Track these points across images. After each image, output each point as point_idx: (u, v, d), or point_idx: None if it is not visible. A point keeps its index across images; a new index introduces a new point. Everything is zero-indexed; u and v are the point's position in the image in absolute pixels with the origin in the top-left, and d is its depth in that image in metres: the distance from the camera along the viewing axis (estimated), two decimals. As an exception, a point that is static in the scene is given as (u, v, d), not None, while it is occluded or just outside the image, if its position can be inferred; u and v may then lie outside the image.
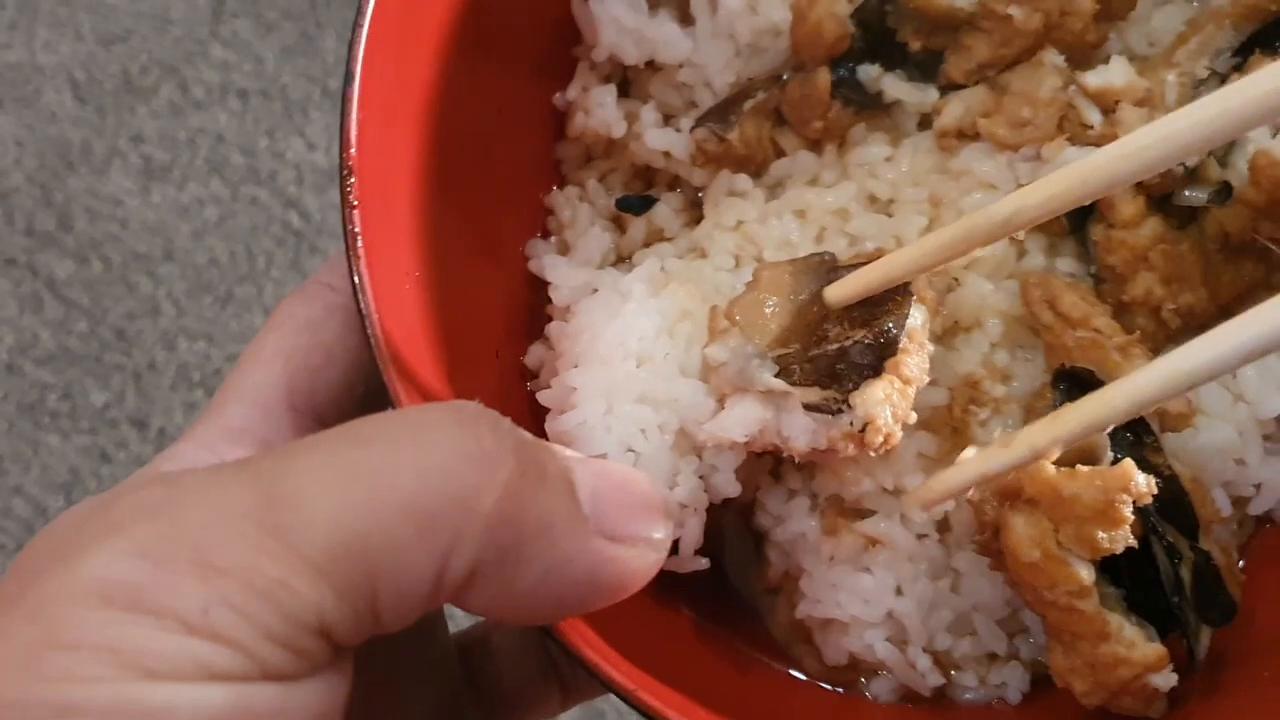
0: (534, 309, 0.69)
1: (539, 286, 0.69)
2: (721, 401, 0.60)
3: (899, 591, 0.62)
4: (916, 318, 0.59)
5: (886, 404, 0.55)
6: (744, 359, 0.58)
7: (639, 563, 0.47)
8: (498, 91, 0.66)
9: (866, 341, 0.58)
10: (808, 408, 0.56)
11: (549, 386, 0.65)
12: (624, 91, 0.71)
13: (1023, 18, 0.62)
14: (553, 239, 0.71)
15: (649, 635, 0.62)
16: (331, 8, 1.63)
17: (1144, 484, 0.54)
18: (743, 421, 0.58)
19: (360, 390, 0.58)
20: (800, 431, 0.57)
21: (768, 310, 0.59)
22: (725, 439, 0.59)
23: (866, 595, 0.62)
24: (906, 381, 0.57)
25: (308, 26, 1.63)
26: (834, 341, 0.59)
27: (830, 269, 0.62)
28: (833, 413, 0.56)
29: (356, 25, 0.56)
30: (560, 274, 0.68)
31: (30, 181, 1.55)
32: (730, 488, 0.62)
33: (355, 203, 0.55)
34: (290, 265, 1.51)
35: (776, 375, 0.57)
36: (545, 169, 0.72)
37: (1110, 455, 0.56)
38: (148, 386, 1.45)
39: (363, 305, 0.54)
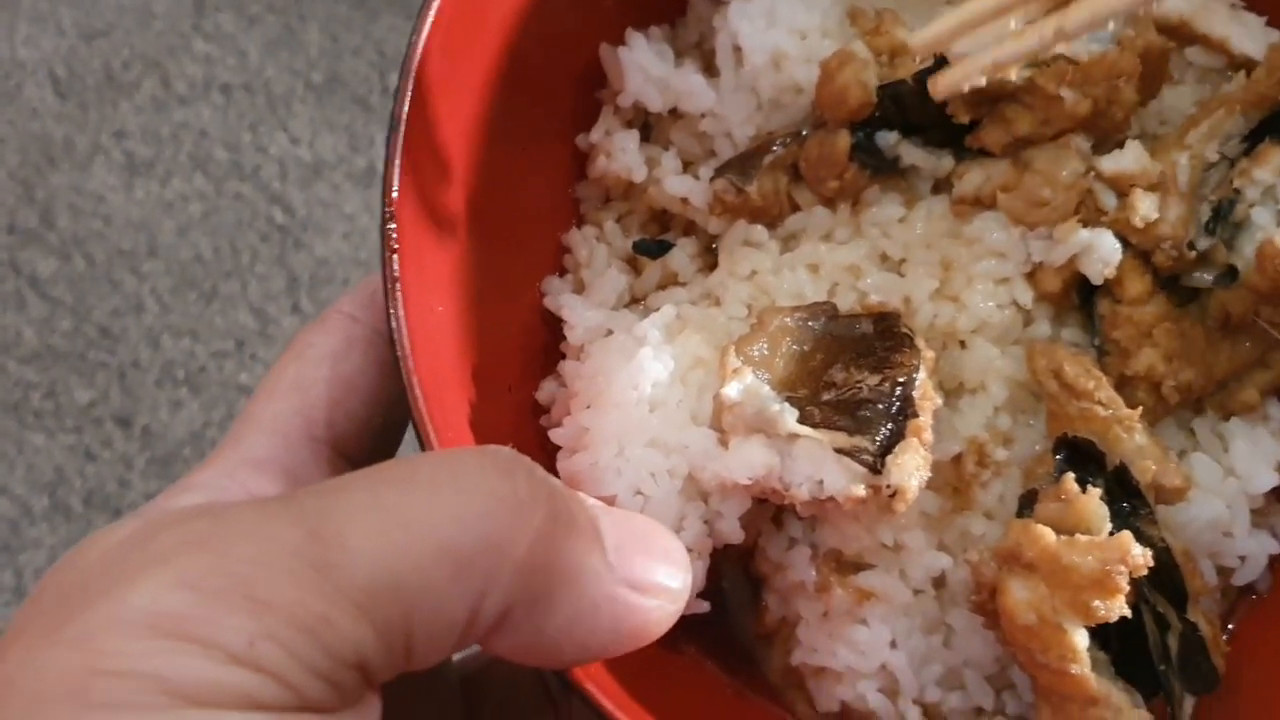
0: (547, 345, 0.71)
1: (552, 322, 0.71)
2: (726, 443, 0.61)
3: (893, 644, 0.64)
4: (925, 376, 0.61)
5: (917, 473, 0.57)
6: (762, 400, 0.60)
7: (659, 613, 0.49)
8: (525, 132, 0.68)
9: (884, 389, 0.60)
10: (840, 452, 0.58)
11: (560, 424, 0.66)
12: (645, 136, 0.73)
13: (1073, 101, 0.63)
14: (569, 277, 0.72)
15: (653, 673, 0.63)
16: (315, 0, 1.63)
17: (1141, 556, 0.56)
18: (748, 464, 0.60)
19: (378, 421, 0.59)
20: (806, 478, 0.59)
21: (775, 353, 0.61)
22: (729, 479, 0.60)
23: (862, 646, 0.64)
24: (926, 445, 0.58)
25: (290, 19, 1.63)
26: (845, 387, 0.61)
27: (831, 317, 0.64)
28: (869, 466, 0.58)
29: (404, 73, 0.57)
30: (576, 313, 0.69)
31: (12, 178, 1.54)
32: (734, 534, 0.64)
33: (396, 246, 0.56)
34: (275, 260, 1.51)
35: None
36: (564, 208, 0.73)
37: (1109, 526, 0.58)
38: (132, 384, 1.45)
39: (399, 349, 0.56)
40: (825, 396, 0.61)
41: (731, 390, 0.60)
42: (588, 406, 0.65)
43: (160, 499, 0.53)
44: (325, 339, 0.59)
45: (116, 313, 1.48)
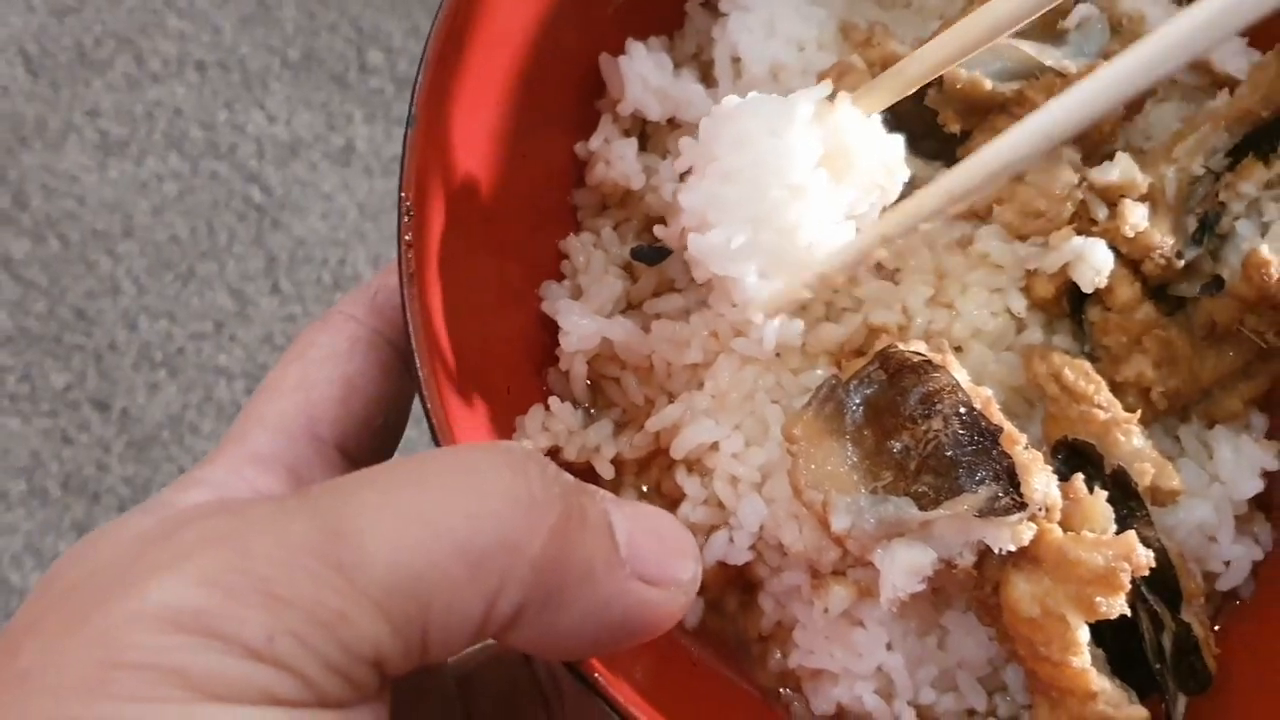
0: (545, 347, 0.72)
1: (550, 326, 0.72)
2: (865, 561, 0.60)
3: (889, 646, 0.65)
4: (962, 373, 0.61)
5: (1045, 476, 0.58)
6: (875, 510, 0.59)
7: (670, 606, 0.50)
8: (526, 138, 0.69)
9: (954, 427, 0.59)
10: (981, 514, 0.57)
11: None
12: (642, 145, 0.73)
13: None
14: (566, 282, 0.73)
15: (657, 667, 0.65)
16: (290, -26, 1.62)
17: (1144, 556, 0.57)
18: (914, 569, 0.59)
19: (379, 422, 0.61)
20: (963, 547, 0.58)
21: (830, 459, 0.61)
22: (906, 593, 0.59)
23: (859, 648, 0.65)
24: (1023, 443, 0.58)
25: (266, -6, 1.61)
26: (921, 447, 0.60)
27: (838, 387, 0.62)
28: (1015, 507, 0.57)
29: (420, 69, 0.59)
30: (570, 320, 0.70)
31: (-18, 159, 1.53)
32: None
33: (409, 239, 0.57)
34: (253, 240, 1.50)
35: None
36: (562, 214, 0.74)
37: (1114, 527, 0.59)
38: (109, 367, 1.44)
39: (415, 344, 0.57)
40: (912, 466, 0.60)
41: (838, 523, 0.59)
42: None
43: (166, 493, 0.53)
44: (329, 339, 0.60)
45: (92, 294, 1.47)
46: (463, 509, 0.45)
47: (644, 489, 0.70)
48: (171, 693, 0.40)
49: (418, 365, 0.57)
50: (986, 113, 0.67)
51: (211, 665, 0.41)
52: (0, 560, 1.39)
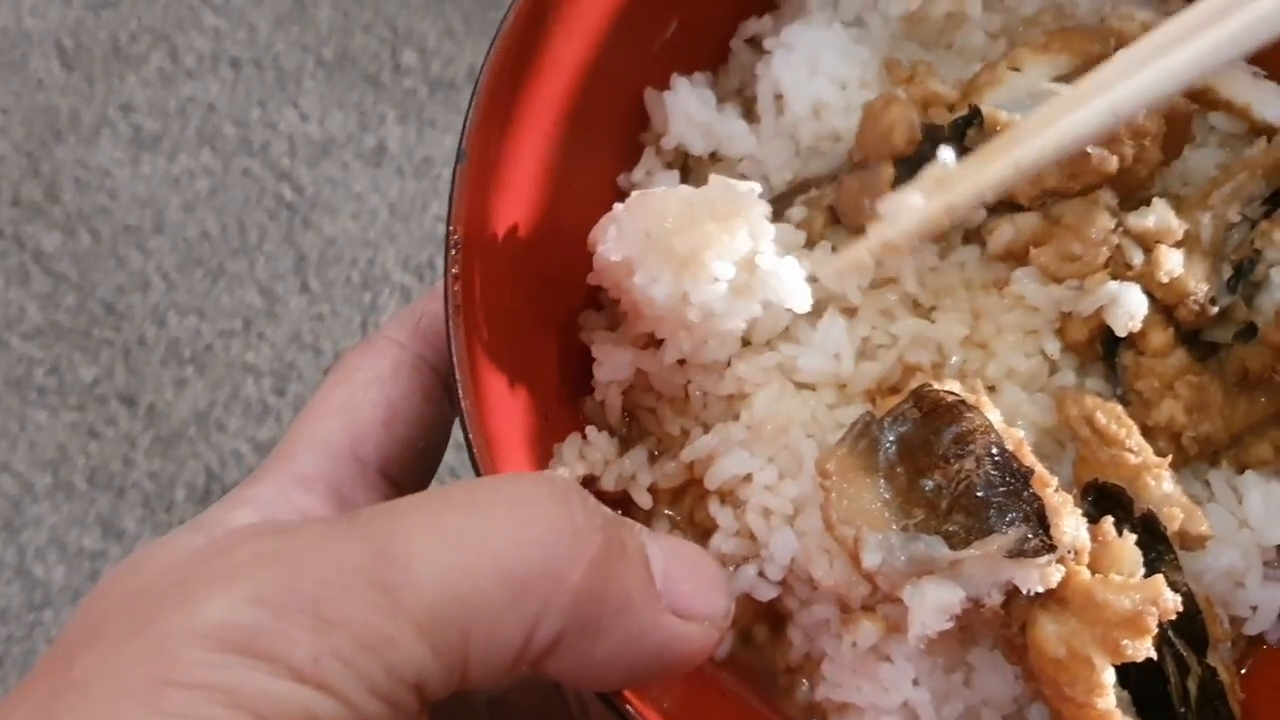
0: (583, 376, 0.73)
1: (587, 355, 0.72)
2: (894, 597, 0.61)
3: (916, 682, 0.66)
4: (995, 414, 0.62)
5: (1075, 519, 0.58)
6: (905, 548, 0.59)
7: (704, 640, 0.51)
8: (570, 169, 0.69)
9: (986, 468, 0.59)
10: (1011, 555, 0.57)
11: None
12: (684, 178, 0.74)
13: (1099, 159, 0.65)
14: (604, 312, 0.74)
15: (686, 696, 0.66)
16: (326, -26, 1.62)
17: (1172, 600, 0.58)
18: (943, 607, 0.59)
19: (420, 444, 0.62)
20: (991, 587, 0.59)
21: (864, 495, 0.61)
22: (935, 630, 0.59)
23: (886, 683, 0.66)
24: (1054, 485, 0.59)
25: (301, -7, 1.62)
26: (953, 485, 0.60)
27: (871, 423, 0.63)
28: (1045, 549, 0.57)
29: (471, 106, 0.60)
30: (605, 350, 0.70)
31: (16, 151, 1.53)
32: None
33: (456, 271, 0.58)
34: (283, 239, 1.50)
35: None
36: (601, 245, 0.74)
37: (1142, 570, 0.60)
38: (137, 362, 1.45)
39: (459, 374, 0.58)
40: (943, 505, 0.60)
41: (869, 559, 0.59)
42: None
43: (214, 511, 0.55)
44: (373, 362, 0.62)
45: (121, 289, 1.48)
46: (508, 536, 0.46)
47: (675, 517, 0.71)
48: (218, 713, 0.41)
49: (460, 396, 0.58)
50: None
51: (257, 686, 0.41)
52: (25, 553, 1.40)
